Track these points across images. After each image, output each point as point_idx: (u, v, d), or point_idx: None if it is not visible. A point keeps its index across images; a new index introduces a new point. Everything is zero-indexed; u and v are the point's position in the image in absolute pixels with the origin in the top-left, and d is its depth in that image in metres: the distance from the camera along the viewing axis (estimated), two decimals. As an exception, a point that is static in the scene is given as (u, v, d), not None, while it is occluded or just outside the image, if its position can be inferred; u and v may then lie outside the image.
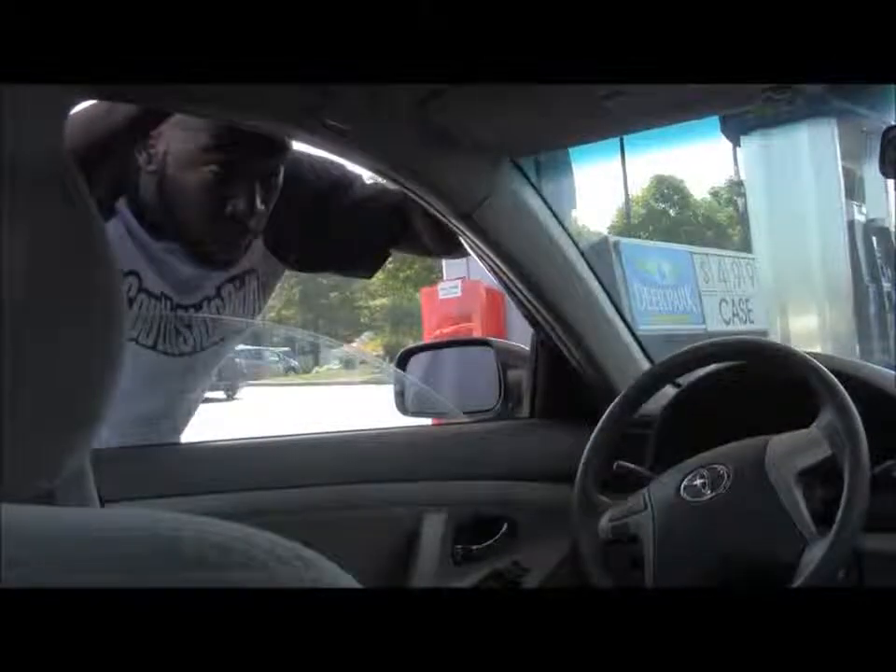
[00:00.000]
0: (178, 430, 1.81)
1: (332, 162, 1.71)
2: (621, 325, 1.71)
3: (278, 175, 1.60)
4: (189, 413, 1.84)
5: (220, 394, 12.42)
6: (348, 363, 21.39)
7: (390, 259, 1.90)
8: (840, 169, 7.77)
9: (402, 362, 1.87)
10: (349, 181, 1.75)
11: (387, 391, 1.91)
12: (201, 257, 1.63)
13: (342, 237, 1.74)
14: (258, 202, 1.56)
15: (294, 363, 23.28)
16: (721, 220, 25.96)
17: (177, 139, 1.53)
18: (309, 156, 1.71)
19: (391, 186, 1.67)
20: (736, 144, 8.48)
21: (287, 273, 1.87)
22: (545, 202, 1.60)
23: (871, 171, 7.70)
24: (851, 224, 7.91)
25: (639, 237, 16.29)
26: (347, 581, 0.38)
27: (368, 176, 1.76)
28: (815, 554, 1.22)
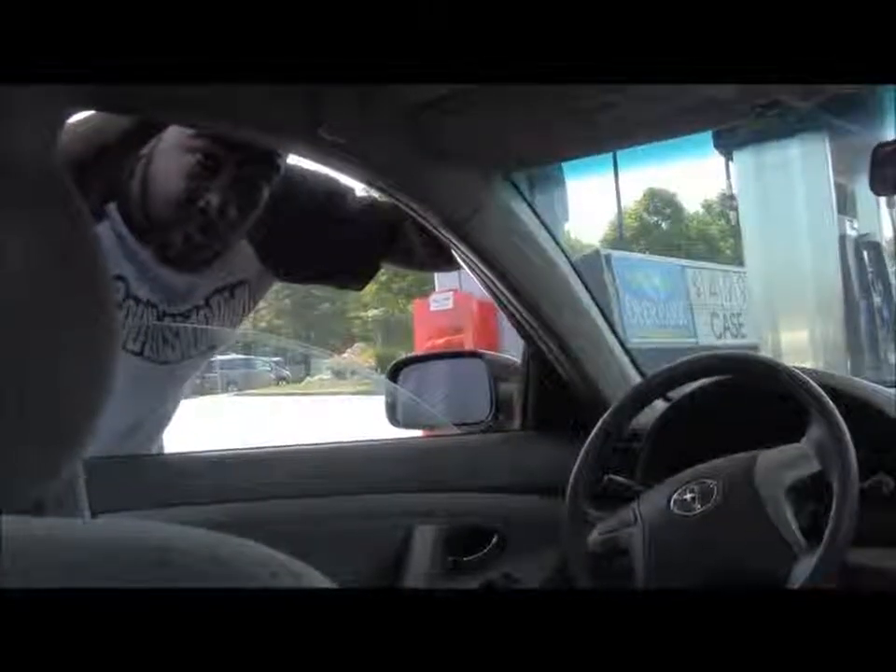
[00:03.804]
0: (156, 439, 1.80)
1: (325, 175, 1.71)
2: (612, 338, 1.71)
3: (261, 188, 1.59)
4: (169, 421, 1.83)
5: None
6: (339, 374, 21.34)
7: (383, 271, 1.90)
8: (832, 184, 7.78)
9: (394, 374, 1.87)
10: (341, 193, 1.75)
11: (378, 402, 1.91)
12: (172, 255, 1.61)
13: (333, 249, 1.74)
14: (232, 206, 1.55)
15: (285, 373, 23.24)
16: (713, 234, 26.02)
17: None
18: (301, 168, 1.71)
19: (383, 198, 1.67)
20: (729, 158, 8.48)
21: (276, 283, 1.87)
22: (537, 214, 1.61)
23: (862, 186, 7.72)
24: (843, 239, 7.92)
25: (631, 250, 16.30)
26: None
27: (360, 189, 1.77)
28: (804, 569, 1.22)
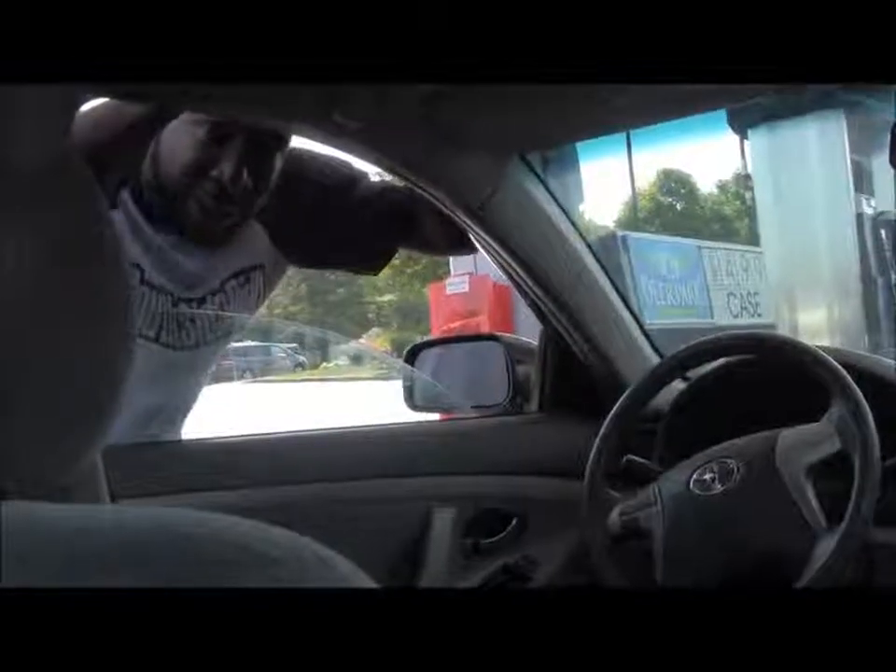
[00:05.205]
0: (177, 424, 1.80)
1: (339, 159, 1.71)
2: (629, 319, 1.71)
3: (273, 156, 1.59)
4: (188, 408, 1.83)
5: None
6: (356, 359, 21.37)
7: (398, 255, 1.90)
8: (848, 161, 7.75)
9: (411, 358, 1.87)
10: (356, 178, 1.75)
11: (395, 387, 1.91)
12: (189, 232, 1.62)
13: (348, 234, 1.74)
14: (245, 174, 1.56)
15: (302, 359, 23.28)
16: (729, 214, 25.93)
17: None
18: (315, 152, 1.71)
19: (398, 182, 1.67)
20: (744, 137, 8.46)
21: (291, 269, 1.88)
22: (552, 195, 1.60)
23: (879, 163, 7.68)
24: (860, 217, 7.88)
25: (647, 231, 16.27)
26: (361, 578, 0.38)
27: (374, 173, 1.76)
28: (825, 548, 1.22)
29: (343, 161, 1.71)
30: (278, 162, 1.60)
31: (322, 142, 1.43)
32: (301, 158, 1.68)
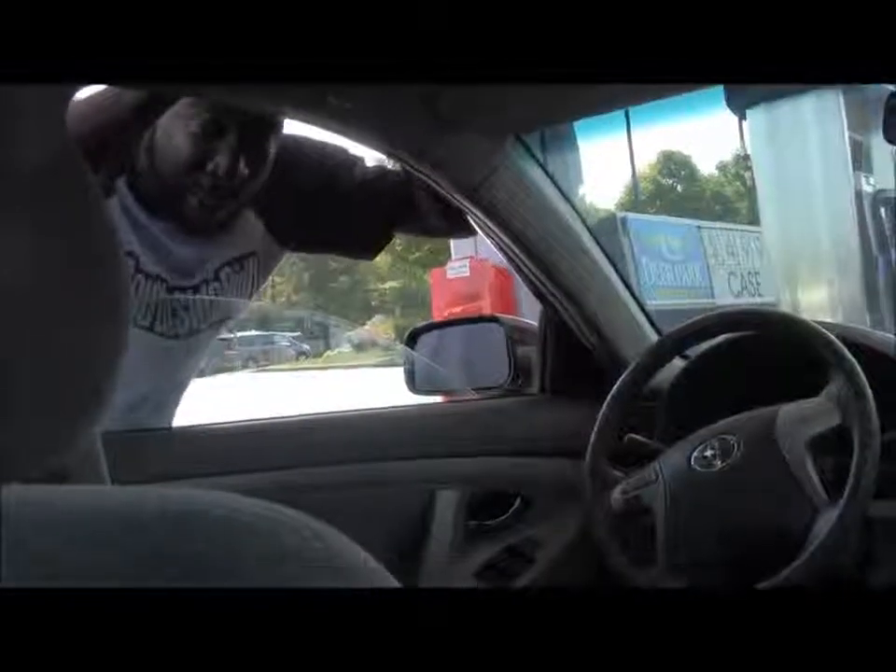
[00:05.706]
0: (168, 412, 1.81)
1: (334, 144, 1.71)
2: (629, 299, 1.71)
3: (268, 145, 1.59)
4: (179, 395, 1.83)
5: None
6: (359, 346, 21.40)
7: (399, 241, 1.90)
8: (847, 140, 7.74)
9: (412, 341, 1.87)
10: (351, 163, 1.75)
11: (399, 373, 1.91)
12: (185, 223, 1.62)
13: (343, 218, 1.74)
14: (241, 165, 1.55)
15: (305, 347, 23.30)
16: (729, 194, 25.91)
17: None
18: (310, 138, 1.70)
19: (394, 167, 1.66)
20: (742, 117, 8.45)
21: (290, 256, 1.87)
22: (550, 177, 1.60)
23: (878, 141, 7.67)
24: (859, 195, 7.88)
25: (647, 213, 16.24)
26: (364, 559, 0.39)
27: (370, 157, 1.76)
28: (825, 522, 1.22)
29: (338, 146, 1.71)
30: (273, 149, 1.60)
31: (317, 125, 1.42)
32: (296, 142, 1.68)
